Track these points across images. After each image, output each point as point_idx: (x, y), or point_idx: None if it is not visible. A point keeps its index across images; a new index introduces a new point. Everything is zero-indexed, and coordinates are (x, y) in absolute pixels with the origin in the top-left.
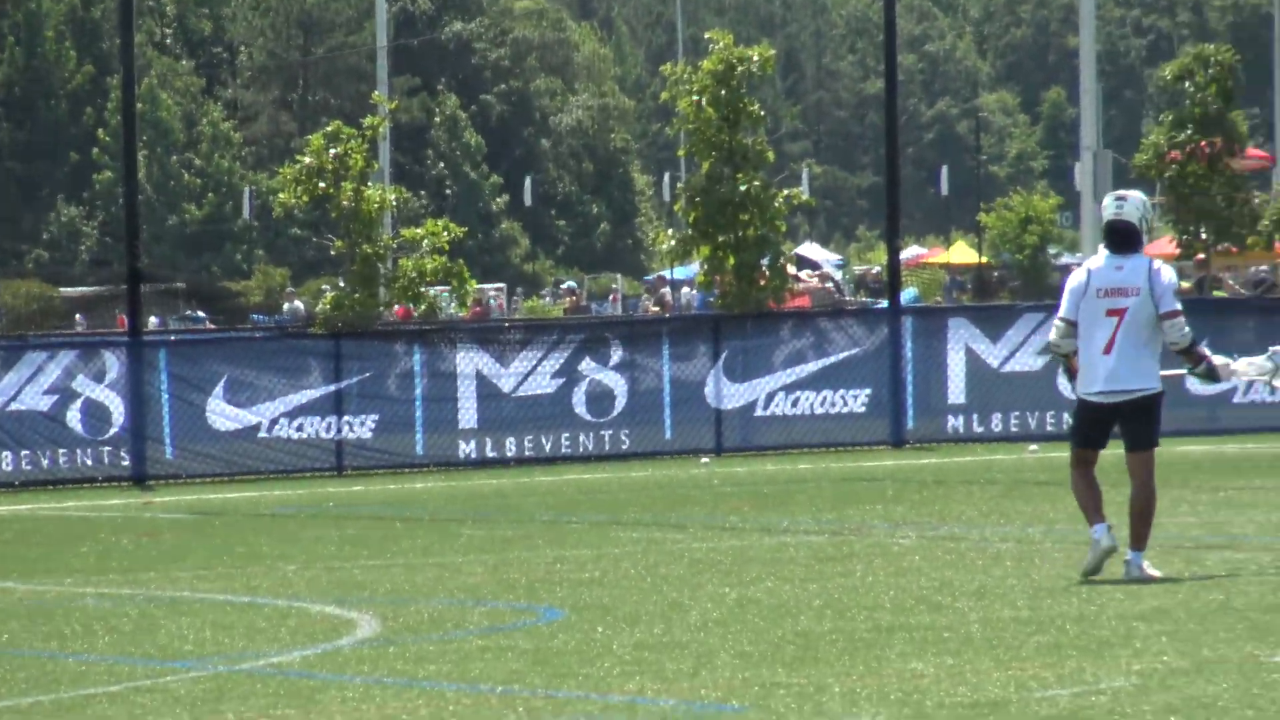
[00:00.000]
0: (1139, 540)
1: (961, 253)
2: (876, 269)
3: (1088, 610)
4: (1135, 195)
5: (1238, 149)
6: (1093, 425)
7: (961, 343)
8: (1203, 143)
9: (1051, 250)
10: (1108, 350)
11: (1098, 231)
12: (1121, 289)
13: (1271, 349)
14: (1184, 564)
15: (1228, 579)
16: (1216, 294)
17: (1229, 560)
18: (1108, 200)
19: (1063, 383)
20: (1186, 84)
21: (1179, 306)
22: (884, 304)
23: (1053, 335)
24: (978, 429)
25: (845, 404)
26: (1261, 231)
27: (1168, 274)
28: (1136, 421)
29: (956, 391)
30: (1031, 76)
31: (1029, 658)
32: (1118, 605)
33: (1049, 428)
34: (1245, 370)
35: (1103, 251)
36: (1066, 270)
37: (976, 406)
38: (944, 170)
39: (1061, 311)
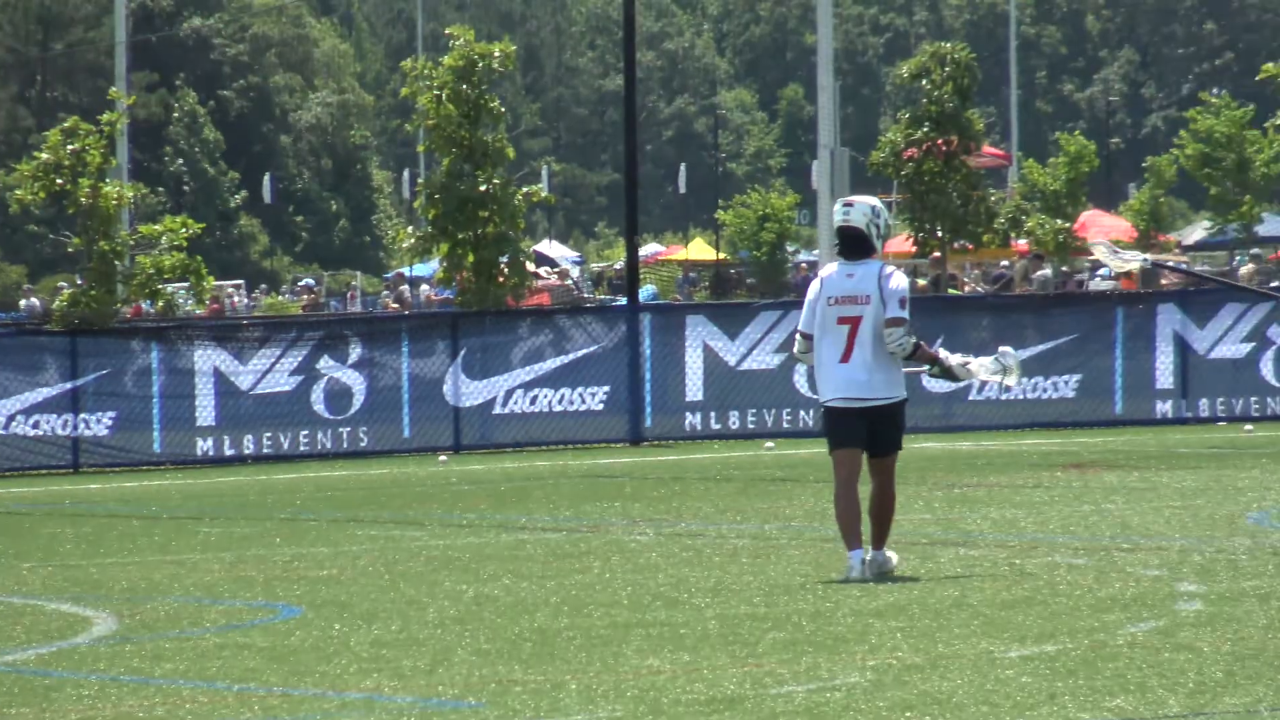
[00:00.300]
0: (879, 540)
1: (700, 250)
2: (617, 266)
3: (824, 607)
4: (862, 200)
5: (974, 147)
6: (843, 427)
7: (699, 340)
8: (939, 141)
9: (789, 248)
10: (845, 359)
11: (834, 230)
12: (853, 297)
13: (1000, 349)
14: (919, 561)
15: (963, 576)
16: (952, 292)
17: (964, 557)
18: (836, 207)
19: (799, 381)
20: (923, 82)
21: (903, 314)
22: (623, 301)
23: (795, 348)
24: (715, 426)
25: (584, 401)
26: (997, 229)
27: (897, 280)
28: (880, 428)
29: (694, 389)
30: (770, 74)
31: (765, 654)
32: (854, 602)
33: (785, 425)
34: (978, 370)
35: (838, 259)
36: (803, 268)
37: (714, 404)
38: (683, 168)
39: (800, 324)
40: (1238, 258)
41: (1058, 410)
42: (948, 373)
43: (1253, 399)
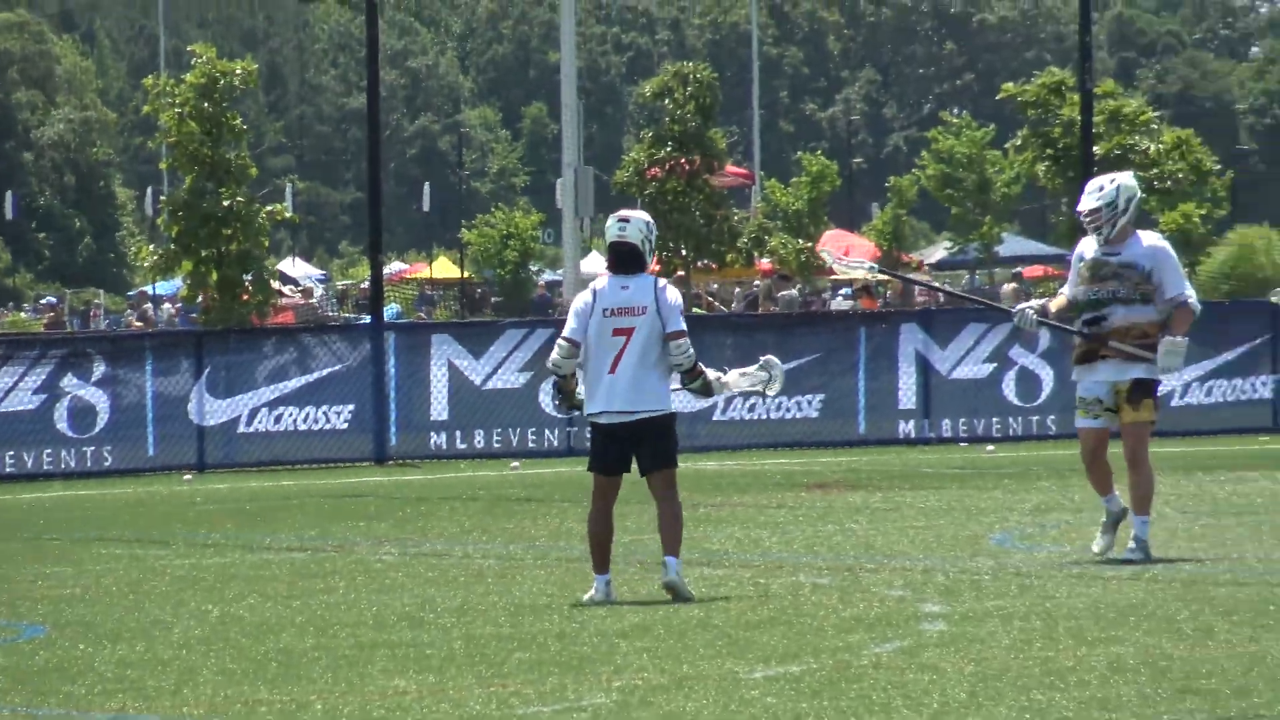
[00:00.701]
0: (673, 546)
1: (444, 268)
2: (362, 284)
3: (569, 627)
4: (638, 216)
5: (716, 166)
6: (607, 449)
7: (445, 359)
8: (682, 160)
9: (533, 266)
10: (613, 370)
11: (579, 248)
12: (628, 308)
13: (763, 358)
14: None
15: (707, 596)
16: (696, 310)
17: (708, 577)
18: (610, 222)
19: (545, 400)
20: (666, 101)
21: (685, 327)
22: (367, 320)
23: (555, 354)
24: (461, 445)
25: (328, 420)
26: (740, 248)
27: (673, 294)
28: (652, 442)
29: (440, 408)
30: (513, 92)
31: (510, 674)
32: (599, 622)
33: (531, 444)
34: (738, 382)
35: (606, 273)
36: (540, 287)
37: (459, 423)
38: (427, 186)
39: (566, 331)
40: (976, 276)
41: (801, 430)
42: (706, 388)
43: (994, 419)
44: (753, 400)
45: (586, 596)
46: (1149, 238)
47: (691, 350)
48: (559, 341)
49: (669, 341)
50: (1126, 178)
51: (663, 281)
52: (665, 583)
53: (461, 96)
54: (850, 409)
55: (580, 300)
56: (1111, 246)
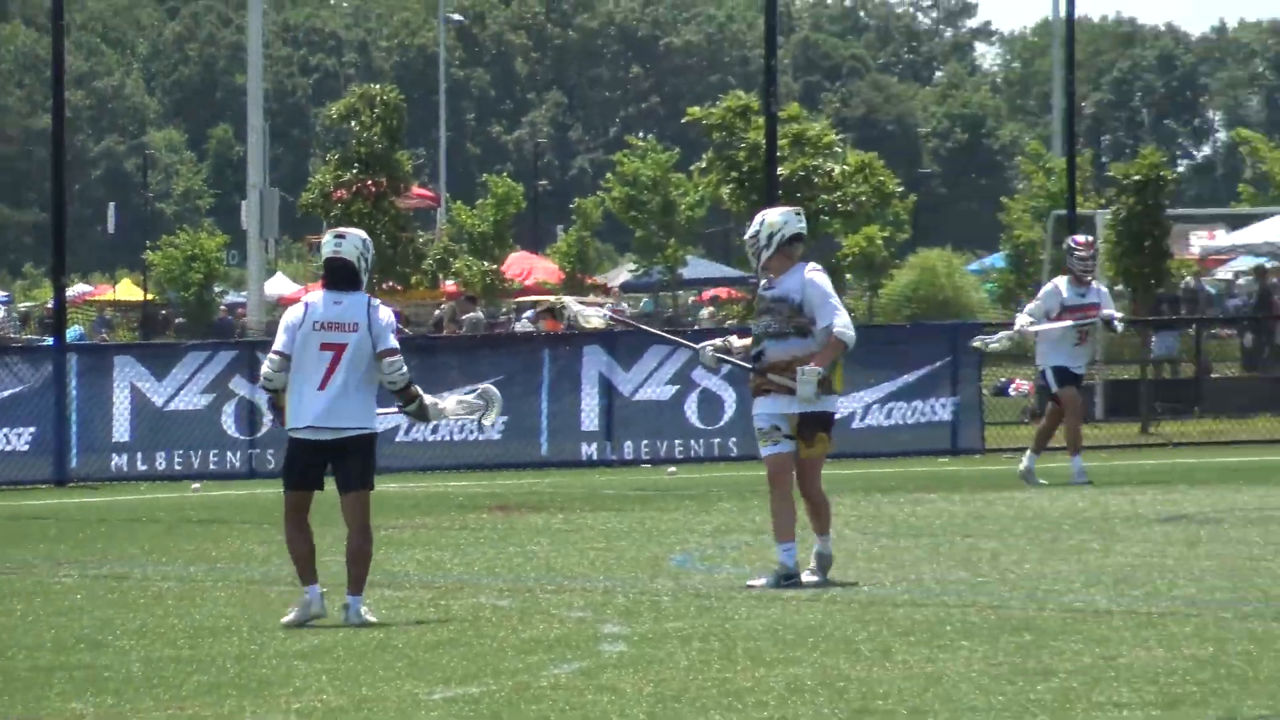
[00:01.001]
0: (358, 584)
1: (128, 290)
2: (49, 305)
3: (248, 649)
4: (354, 233)
5: (403, 188)
6: (306, 465)
7: (127, 381)
8: (369, 182)
9: (218, 288)
10: (323, 386)
11: (263, 270)
12: (339, 324)
13: (481, 386)
14: (342, 602)
15: (387, 618)
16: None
17: (388, 599)
18: (327, 238)
19: (228, 421)
20: (353, 123)
21: (397, 345)
22: (50, 341)
23: (266, 368)
24: (142, 467)
25: (9, 442)
26: (426, 270)
27: (385, 313)
28: (352, 461)
29: (121, 430)
30: (199, 114)
31: (189, 697)
32: (279, 644)
33: (213, 466)
34: (455, 409)
35: (323, 289)
36: (230, 309)
37: (141, 444)
38: (111, 207)
39: (277, 345)
40: (658, 298)
41: (484, 452)
42: (422, 412)
43: (677, 441)
44: (486, 421)
45: (293, 615)
46: (805, 270)
47: (405, 369)
48: (269, 356)
49: (381, 360)
50: (775, 213)
51: (376, 300)
52: (346, 623)
53: (147, 117)
54: (533, 431)
55: (291, 314)
56: (772, 281)
